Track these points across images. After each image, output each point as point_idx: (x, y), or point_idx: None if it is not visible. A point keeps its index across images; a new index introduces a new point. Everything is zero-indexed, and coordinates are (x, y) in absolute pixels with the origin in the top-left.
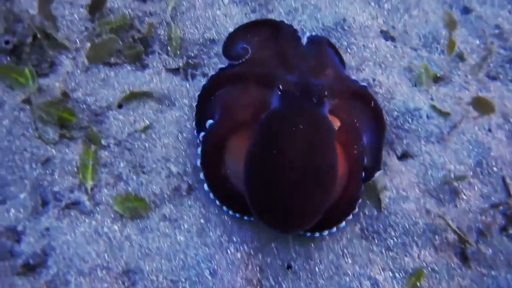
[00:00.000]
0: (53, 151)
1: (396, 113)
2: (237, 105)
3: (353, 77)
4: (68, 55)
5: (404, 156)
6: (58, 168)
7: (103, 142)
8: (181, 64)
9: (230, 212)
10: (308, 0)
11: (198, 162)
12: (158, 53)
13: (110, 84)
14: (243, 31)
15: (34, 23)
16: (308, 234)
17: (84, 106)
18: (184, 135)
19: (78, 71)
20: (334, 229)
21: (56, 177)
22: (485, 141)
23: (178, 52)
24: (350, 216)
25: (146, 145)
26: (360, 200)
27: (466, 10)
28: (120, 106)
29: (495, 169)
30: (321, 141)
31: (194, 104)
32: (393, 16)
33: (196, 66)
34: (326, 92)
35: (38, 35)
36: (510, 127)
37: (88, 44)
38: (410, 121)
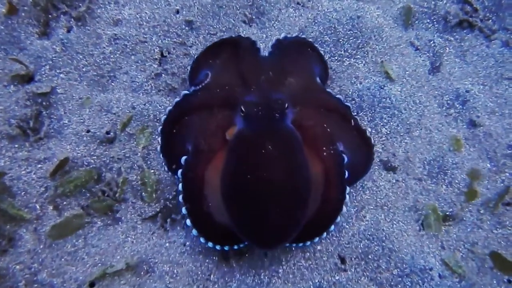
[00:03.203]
0: None
1: (404, 271)
2: (207, 133)
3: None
4: (28, 227)
5: None
6: None
7: None
8: (158, 209)
9: (217, 247)
10: None
11: (180, 198)
12: (132, 202)
13: (78, 258)
14: (204, 57)
15: None
16: (300, 244)
17: None
18: None
19: (41, 246)
20: (324, 234)
21: None
22: None
23: (154, 196)
24: (339, 218)
25: None
26: (347, 200)
27: (473, 124)
28: (92, 284)
29: None
30: (289, 157)
31: (175, 267)
32: (393, 141)
33: (176, 209)
34: (286, 105)
35: None
36: None
37: (51, 208)
38: (420, 283)
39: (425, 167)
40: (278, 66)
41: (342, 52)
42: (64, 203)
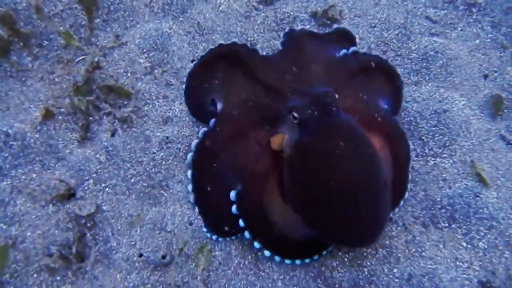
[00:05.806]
0: None
1: None
2: (250, 159)
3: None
4: None
5: None
6: None
7: None
8: None
9: (306, 261)
10: None
11: (247, 234)
12: None
13: None
14: (200, 82)
15: None
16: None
17: None
18: None
19: None
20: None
21: None
22: None
23: None
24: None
25: None
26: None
27: None
28: None
29: None
30: (361, 148)
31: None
32: (491, 257)
33: None
34: (336, 94)
35: None
36: None
37: None
38: None
39: None
40: (296, 57)
41: (426, 151)
42: None
